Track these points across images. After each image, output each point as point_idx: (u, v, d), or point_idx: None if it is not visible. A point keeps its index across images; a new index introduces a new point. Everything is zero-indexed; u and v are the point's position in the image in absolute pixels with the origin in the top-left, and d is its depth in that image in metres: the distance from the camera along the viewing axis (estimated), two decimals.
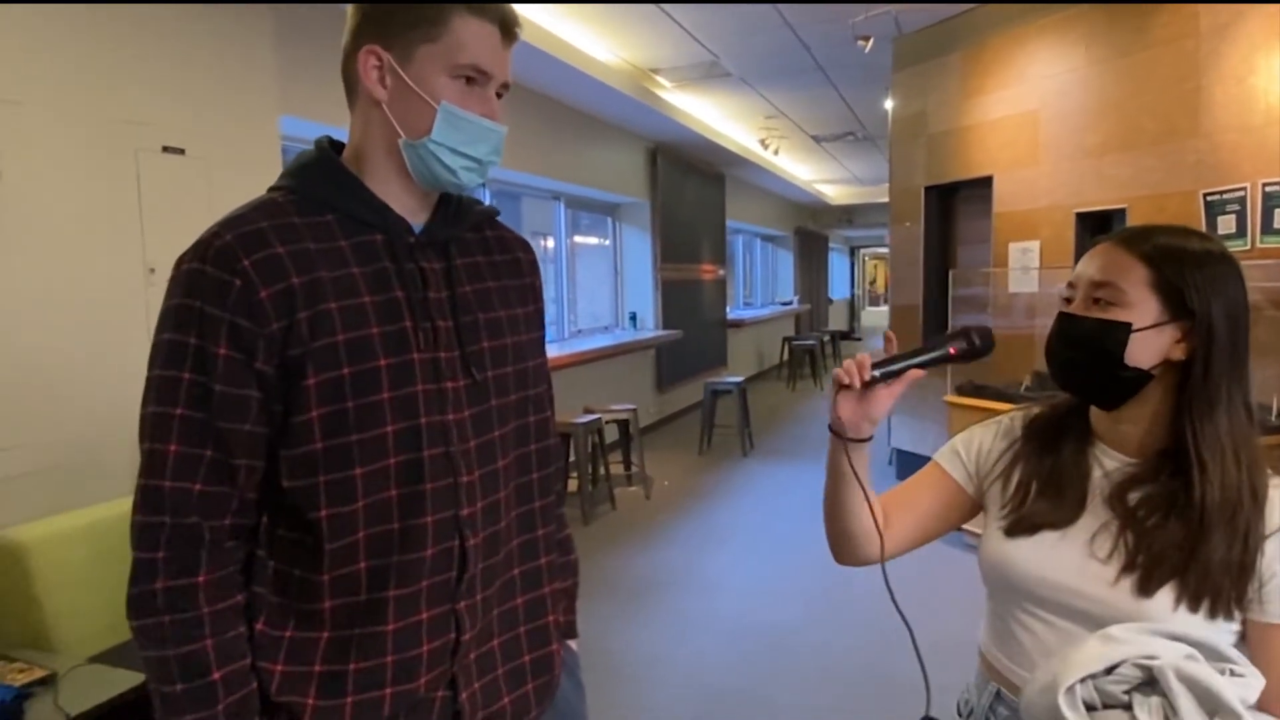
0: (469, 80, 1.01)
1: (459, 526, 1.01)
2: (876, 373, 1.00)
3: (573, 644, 1.25)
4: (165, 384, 0.93)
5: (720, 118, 8.56)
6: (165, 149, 3.00)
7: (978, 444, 1.17)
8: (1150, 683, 0.87)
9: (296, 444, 0.95)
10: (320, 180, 1.02)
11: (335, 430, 0.95)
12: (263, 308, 0.93)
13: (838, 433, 1.04)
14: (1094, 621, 0.97)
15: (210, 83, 3.18)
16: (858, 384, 1.00)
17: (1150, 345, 0.98)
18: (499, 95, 1.05)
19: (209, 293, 0.92)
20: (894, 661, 3.36)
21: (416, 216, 1.06)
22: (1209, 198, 4.00)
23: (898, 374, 1.01)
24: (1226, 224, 3.93)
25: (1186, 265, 0.98)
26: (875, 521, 1.10)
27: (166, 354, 0.93)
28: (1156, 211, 4.21)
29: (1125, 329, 0.97)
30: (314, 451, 0.95)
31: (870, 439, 1.05)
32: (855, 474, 1.06)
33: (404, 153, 1.02)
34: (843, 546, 1.14)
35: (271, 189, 1.04)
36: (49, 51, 2.62)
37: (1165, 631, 0.91)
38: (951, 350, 1.04)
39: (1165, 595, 0.95)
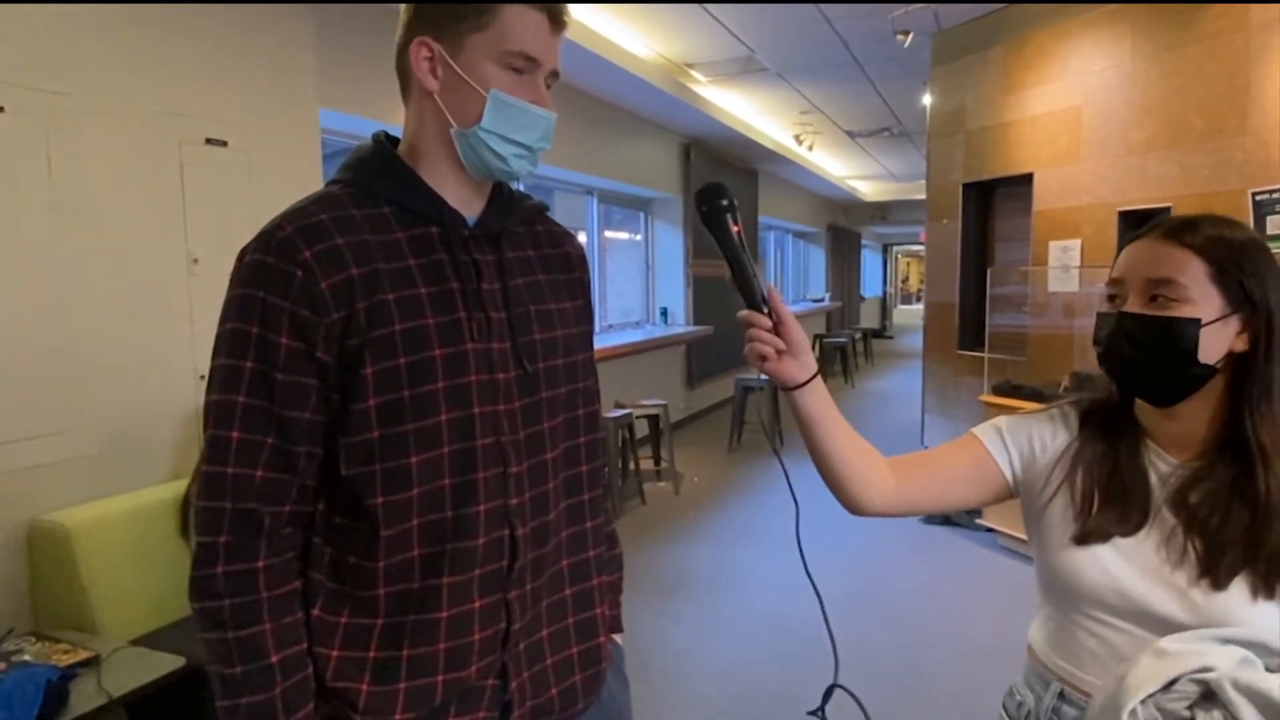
0: (518, 68, 1.01)
1: (508, 516, 1.02)
2: (765, 308, 1.04)
3: (618, 638, 1.25)
4: (229, 372, 0.94)
5: (755, 113, 8.52)
6: (208, 141, 3.04)
7: (1034, 437, 1.13)
8: (1209, 695, 0.86)
9: (354, 432, 0.97)
10: (377, 173, 1.04)
11: (391, 419, 0.96)
12: (323, 298, 0.94)
13: (793, 389, 1.05)
14: (1173, 626, 0.96)
15: (252, 76, 3.22)
16: (774, 354, 1.02)
17: (1217, 339, 0.97)
18: (548, 85, 1.06)
19: (271, 283, 0.94)
20: (927, 660, 3.34)
21: (470, 208, 1.06)
22: (1258, 197, 3.91)
23: (762, 299, 1.04)
24: (1275, 224, 3.84)
25: (1239, 255, 0.97)
26: (866, 459, 1.09)
27: (230, 343, 0.95)
28: (1202, 210, 4.12)
29: (1195, 325, 0.96)
30: (371, 440, 0.96)
31: (817, 373, 1.06)
32: (822, 415, 1.06)
33: (456, 142, 1.03)
34: (846, 490, 1.09)
35: (330, 182, 1.05)
36: (95, 44, 2.67)
37: (1218, 635, 0.90)
38: (735, 228, 1.05)
39: (1240, 586, 0.94)
